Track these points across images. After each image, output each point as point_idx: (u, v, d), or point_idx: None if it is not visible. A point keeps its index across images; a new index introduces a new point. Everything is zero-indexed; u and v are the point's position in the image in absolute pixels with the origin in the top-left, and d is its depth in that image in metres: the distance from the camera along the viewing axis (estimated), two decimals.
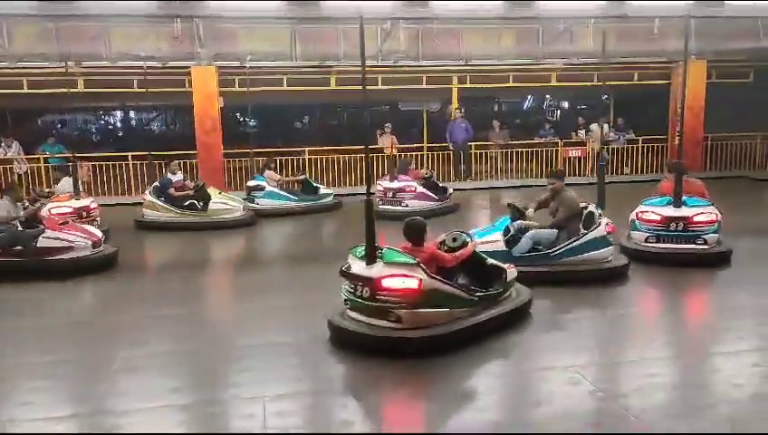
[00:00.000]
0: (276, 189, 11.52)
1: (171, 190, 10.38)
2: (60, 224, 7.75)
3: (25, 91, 12.86)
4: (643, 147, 14.89)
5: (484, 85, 14.68)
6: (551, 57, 13.73)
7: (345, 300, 5.01)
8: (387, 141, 14.71)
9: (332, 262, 5.84)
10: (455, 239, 5.61)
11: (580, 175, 14.75)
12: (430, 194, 11.07)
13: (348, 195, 12.81)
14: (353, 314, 4.93)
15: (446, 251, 5.36)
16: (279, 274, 7.69)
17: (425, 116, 15.82)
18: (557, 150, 14.81)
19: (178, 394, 4.22)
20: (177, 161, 11.67)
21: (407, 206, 10.71)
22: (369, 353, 4.66)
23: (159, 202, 10.28)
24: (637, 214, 7.43)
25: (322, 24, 12.48)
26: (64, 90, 11.35)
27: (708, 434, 3.53)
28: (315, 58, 12.97)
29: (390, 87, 14.08)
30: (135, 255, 8.51)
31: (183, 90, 13.07)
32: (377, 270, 4.79)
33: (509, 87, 14.77)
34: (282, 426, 3.75)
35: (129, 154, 13.41)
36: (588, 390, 4.14)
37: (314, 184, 12.18)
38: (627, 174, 14.55)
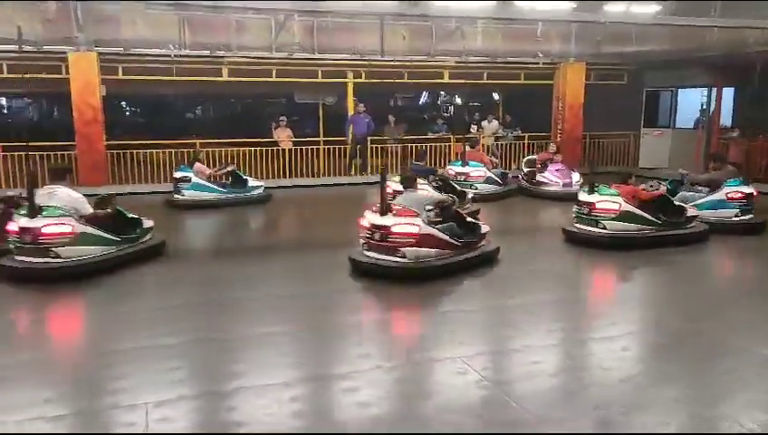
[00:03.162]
0: (203, 181, 11.08)
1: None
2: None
3: None
4: (529, 143, 15.64)
5: (379, 80, 14.81)
6: (443, 55, 14.07)
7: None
8: (282, 134, 14.56)
9: None
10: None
11: None
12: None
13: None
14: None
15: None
16: None
17: (321, 110, 15.73)
18: (450, 146, 15.23)
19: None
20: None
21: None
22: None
23: None
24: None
25: (213, 13, 12.06)
26: None
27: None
28: (205, 48, 12.52)
29: (285, 79, 13.87)
30: None
31: (60, 76, 12.17)
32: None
33: (403, 83, 14.98)
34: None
35: None
36: (474, 379, 4.30)
37: (243, 176, 11.82)
38: (515, 169, 15.25)
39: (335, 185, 13.82)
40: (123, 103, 22.40)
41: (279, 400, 4.00)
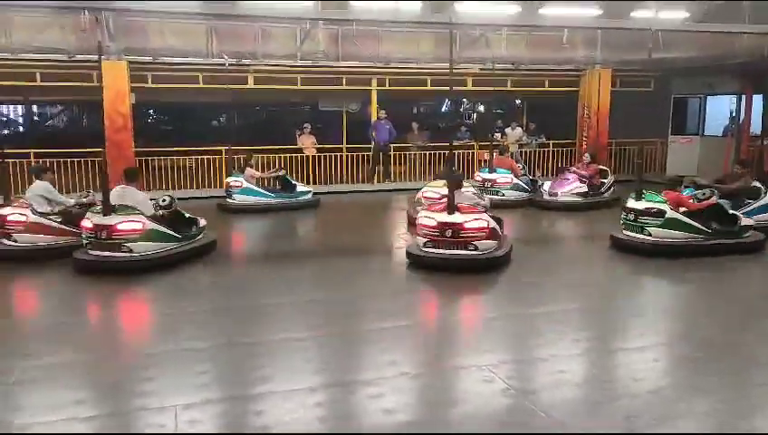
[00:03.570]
0: (253, 186, 11.53)
1: None
2: None
3: None
4: (554, 150, 15.53)
5: (403, 88, 14.83)
6: (467, 62, 14.04)
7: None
8: (306, 141, 14.68)
9: None
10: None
11: None
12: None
13: None
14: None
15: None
16: None
17: (344, 117, 15.82)
18: (473, 153, 15.19)
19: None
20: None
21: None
22: None
23: None
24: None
25: (240, 22, 12.21)
26: None
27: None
28: (232, 56, 12.67)
29: (310, 87, 13.98)
30: None
31: (91, 85, 12.41)
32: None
33: (427, 90, 14.99)
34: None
35: (32, 151, 12.70)
36: (500, 388, 4.28)
37: (292, 181, 12.20)
38: (538, 177, 15.13)
39: (359, 192, 13.90)
40: (151, 111, 22.75)
41: (304, 404, 4.02)
